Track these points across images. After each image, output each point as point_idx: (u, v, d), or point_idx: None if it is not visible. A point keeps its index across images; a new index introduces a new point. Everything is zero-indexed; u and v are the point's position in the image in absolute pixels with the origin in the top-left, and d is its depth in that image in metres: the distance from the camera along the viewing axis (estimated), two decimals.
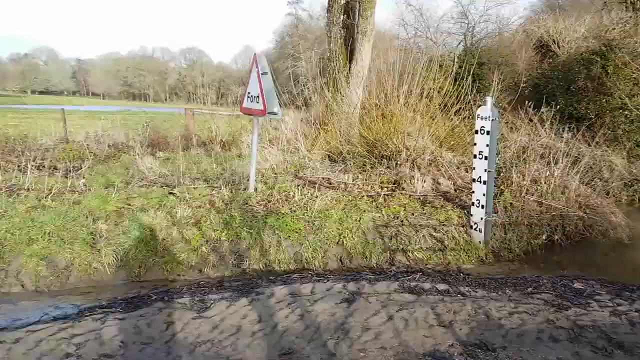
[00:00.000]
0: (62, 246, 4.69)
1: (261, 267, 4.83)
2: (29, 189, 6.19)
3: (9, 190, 6.12)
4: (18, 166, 7.58)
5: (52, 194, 5.98)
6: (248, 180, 6.30)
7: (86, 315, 3.58)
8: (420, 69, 7.72)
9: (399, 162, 7.13)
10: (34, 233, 4.85)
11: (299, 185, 6.34)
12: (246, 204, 5.76)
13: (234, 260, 4.85)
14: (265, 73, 5.85)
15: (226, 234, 5.11)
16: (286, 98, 10.30)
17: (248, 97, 6.06)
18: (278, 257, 4.91)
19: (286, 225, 5.27)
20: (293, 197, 5.96)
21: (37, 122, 10.94)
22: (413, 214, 5.76)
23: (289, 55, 39.65)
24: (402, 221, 5.59)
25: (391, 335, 3.28)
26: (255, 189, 6.21)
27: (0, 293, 4.26)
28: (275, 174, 7.09)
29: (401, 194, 6.28)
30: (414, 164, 7.04)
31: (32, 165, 7.34)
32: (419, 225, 5.54)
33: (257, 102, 5.85)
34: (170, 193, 6.08)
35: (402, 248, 5.20)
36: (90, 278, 4.52)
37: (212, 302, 3.77)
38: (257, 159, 6.56)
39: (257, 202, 5.79)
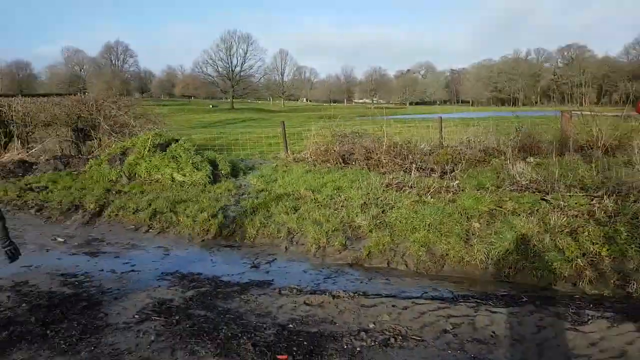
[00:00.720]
0: (439, 237, 5.51)
1: None
2: (412, 186, 7.53)
3: (397, 187, 7.65)
4: (403, 167, 9.32)
5: (430, 191, 7.08)
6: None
7: (460, 302, 4.12)
8: None
9: None
10: (416, 223, 5.92)
11: None
12: (637, 218, 5.01)
13: (617, 280, 4.35)
14: None
15: (608, 250, 4.63)
16: None
17: None
18: None
19: None
20: None
21: (417, 130, 12.98)
22: None
23: None
24: None
25: None
26: None
27: (390, 268, 5.42)
28: None
29: None
30: None
31: (414, 167, 8.86)
32: None
33: None
34: (543, 199, 6.02)
35: None
36: (462, 270, 5.11)
37: (589, 318, 3.57)
38: None
39: None
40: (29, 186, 9.10)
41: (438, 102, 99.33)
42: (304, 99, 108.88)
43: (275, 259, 5.78)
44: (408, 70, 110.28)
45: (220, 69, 79.03)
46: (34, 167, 11.18)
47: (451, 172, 8.58)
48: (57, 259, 5.62)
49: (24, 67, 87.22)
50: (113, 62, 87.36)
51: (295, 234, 6.35)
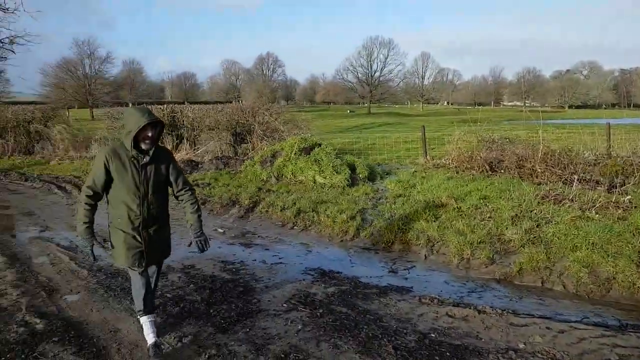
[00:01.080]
0: (605, 258, 4.94)
1: None
2: (572, 200, 6.86)
3: (555, 199, 7.02)
4: (562, 178, 8.51)
5: (595, 206, 6.37)
6: None
7: (629, 331, 3.67)
8: None
9: None
10: (577, 241, 5.39)
11: None
12: None
13: None
14: None
15: None
16: None
17: None
18: None
19: None
20: None
21: (579, 137, 11.68)
22: None
23: None
24: None
25: None
26: None
27: (544, 287, 5.01)
28: None
29: None
30: None
31: (576, 178, 8.03)
32: None
33: None
34: None
35: None
36: (632, 296, 4.51)
37: None
38: None
39: None
40: (195, 182, 10.48)
41: (604, 106, 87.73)
42: (445, 102, 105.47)
43: (414, 266, 5.77)
44: (568, 70, 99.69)
45: (360, 75, 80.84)
46: (199, 165, 12.83)
47: (621, 185, 7.58)
48: (218, 247, 6.40)
49: (190, 78, 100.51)
50: (264, 72, 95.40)
51: (435, 243, 6.26)
